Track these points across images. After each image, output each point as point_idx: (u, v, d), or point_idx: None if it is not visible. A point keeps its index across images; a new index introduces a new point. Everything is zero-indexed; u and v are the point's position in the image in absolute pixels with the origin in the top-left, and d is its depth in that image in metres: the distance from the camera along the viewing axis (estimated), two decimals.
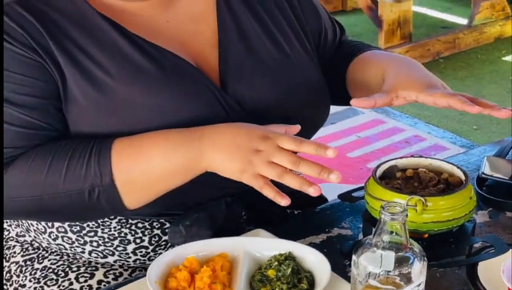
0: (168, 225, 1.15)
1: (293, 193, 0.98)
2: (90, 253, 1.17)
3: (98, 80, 1.05)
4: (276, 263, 0.99)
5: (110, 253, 1.16)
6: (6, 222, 1.26)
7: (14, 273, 1.21)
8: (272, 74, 1.16)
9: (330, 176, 0.93)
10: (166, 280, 0.98)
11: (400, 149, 3.07)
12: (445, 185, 1.02)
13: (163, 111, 1.06)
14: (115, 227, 1.15)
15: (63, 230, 1.16)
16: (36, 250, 1.22)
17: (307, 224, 1.18)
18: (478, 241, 1.01)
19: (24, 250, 1.23)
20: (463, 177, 1.01)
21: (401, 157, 1.06)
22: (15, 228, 1.26)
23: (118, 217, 1.14)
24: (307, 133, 1.16)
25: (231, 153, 0.98)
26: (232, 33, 1.16)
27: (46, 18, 1.06)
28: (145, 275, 0.97)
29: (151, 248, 1.16)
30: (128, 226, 1.15)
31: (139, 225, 1.15)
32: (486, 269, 0.98)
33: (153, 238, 1.15)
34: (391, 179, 1.04)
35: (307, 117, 1.17)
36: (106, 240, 1.15)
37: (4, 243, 1.25)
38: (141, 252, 1.16)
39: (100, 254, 1.17)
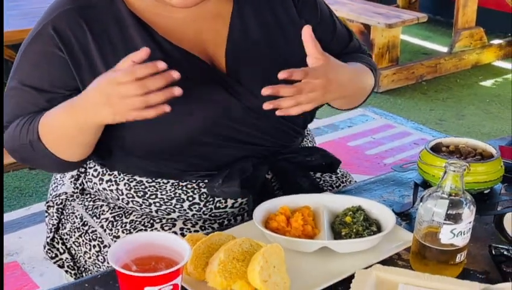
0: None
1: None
2: (156, 211, 1.42)
3: None
4: (351, 212, 1.27)
5: (172, 210, 1.41)
6: (92, 188, 1.51)
7: (106, 227, 1.44)
8: (267, 59, 1.40)
9: (174, 91, 1.14)
10: (267, 222, 1.26)
11: (410, 149, 3.43)
12: (481, 157, 1.32)
13: (182, 101, 1.25)
14: (170, 189, 1.40)
15: (131, 196, 1.42)
16: (121, 208, 1.46)
17: (364, 191, 1.47)
18: (505, 199, 1.31)
19: (111, 208, 1.46)
20: (494, 152, 1.32)
21: (444, 137, 1.36)
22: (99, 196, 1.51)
23: (171, 181, 1.40)
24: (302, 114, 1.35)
25: (96, 107, 1.20)
26: (238, 29, 1.40)
27: (93, 20, 1.31)
28: (246, 221, 1.25)
29: (202, 203, 1.40)
30: (180, 187, 1.40)
31: (189, 185, 1.40)
32: (509, 221, 1.28)
33: (202, 196, 1.40)
34: (438, 152, 1.33)
35: None
36: (165, 200, 1.40)
37: (92, 203, 1.49)
38: (195, 207, 1.41)
39: (164, 212, 1.42)
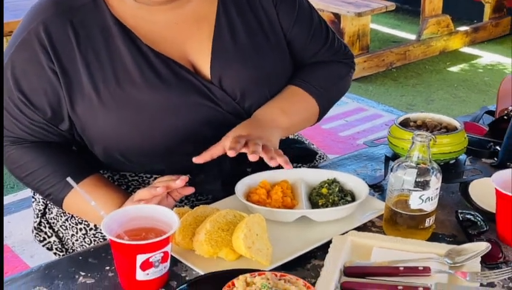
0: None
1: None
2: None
3: (103, 85, 1.30)
4: (327, 184, 1.36)
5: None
6: None
7: None
8: (252, 63, 1.40)
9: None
10: (248, 195, 1.33)
11: (381, 130, 3.56)
12: (446, 130, 1.41)
13: (165, 110, 1.34)
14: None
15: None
16: None
17: (338, 166, 1.56)
18: (470, 168, 1.40)
19: None
20: (458, 125, 1.41)
21: (411, 113, 1.45)
22: None
23: (154, 176, 1.45)
24: None
25: None
26: (225, 32, 1.39)
27: (78, 24, 1.30)
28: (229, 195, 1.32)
29: (184, 196, 1.43)
30: None
31: None
32: (473, 189, 1.38)
33: None
34: (406, 126, 1.42)
35: None
36: None
37: None
38: (180, 201, 1.46)
39: None
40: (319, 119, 1.55)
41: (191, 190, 1.27)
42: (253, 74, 1.41)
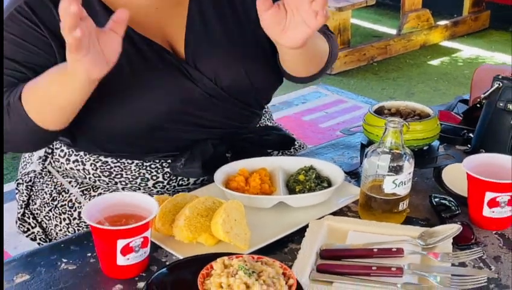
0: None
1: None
2: (123, 189, 1.50)
3: None
4: (304, 171, 1.39)
5: (137, 188, 1.49)
6: (60, 167, 1.57)
7: (75, 201, 1.51)
8: (223, 48, 1.45)
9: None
10: (227, 183, 1.36)
11: (360, 121, 3.58)
12: (419, 117, 1.45)
13: (148, 88, 1.39)
14: (134, 169, 1.47)
15: (97, 176, 1.49)
16: (89, 183, 1.53)
17: (316, 154, 1.59)
18: (443, 154, 1.44)
19: (79, 184, 1.53)
20: (431, 112, 1.45)
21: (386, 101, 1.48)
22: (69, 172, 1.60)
23: (135, 162, 1.47)
24: (258, 97, 1.50)
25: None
26: (196, 16, 1.45)
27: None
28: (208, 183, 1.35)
29: (165, 181, 1.49)
30: (144, 167, 1.47)
31: (153, 166, 1.47)
32: (446, 174, 1.41)
33: (165, 175, 1.48)
34: (381, 114, 1.46)
35: (256, 82, 1.48)
36: (130, 179, 1.48)
37: (61, 179, 1.54)
38: (159, 185, 1.49)
39: (130, 190, 1.50)
40: (321, 73, 1.55)
41: (124, 12, 1.19)
42: (225, 56, 1.45)
